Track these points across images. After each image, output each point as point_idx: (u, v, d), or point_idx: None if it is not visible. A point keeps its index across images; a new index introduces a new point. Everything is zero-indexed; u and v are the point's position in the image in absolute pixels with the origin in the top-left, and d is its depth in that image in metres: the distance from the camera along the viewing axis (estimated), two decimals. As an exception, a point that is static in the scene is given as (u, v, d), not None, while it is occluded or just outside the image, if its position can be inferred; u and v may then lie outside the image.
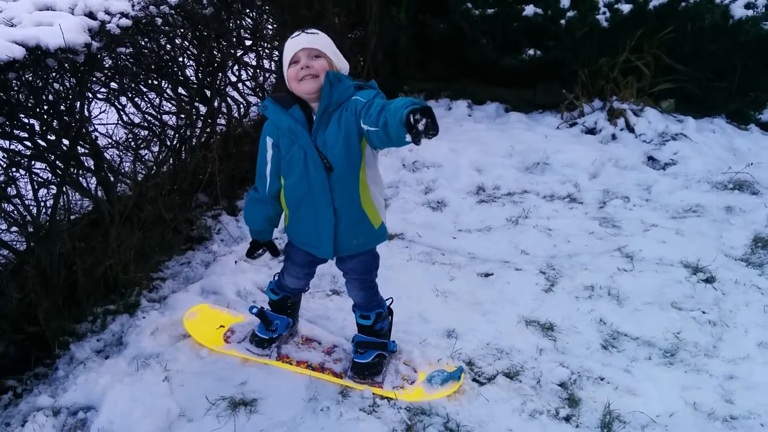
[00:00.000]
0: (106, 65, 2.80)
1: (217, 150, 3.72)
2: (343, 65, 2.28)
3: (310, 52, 2.21)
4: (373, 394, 2.57)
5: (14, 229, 2.71)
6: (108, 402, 2.47)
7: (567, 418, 2.48)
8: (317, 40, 2.22)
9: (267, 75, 4.18)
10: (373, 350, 2.64)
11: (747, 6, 4.92)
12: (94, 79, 2.78)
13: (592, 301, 3.17)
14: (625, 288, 3.25)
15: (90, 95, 2.89)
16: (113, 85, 3.00)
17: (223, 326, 2.91)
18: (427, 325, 2.97)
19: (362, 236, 2.41)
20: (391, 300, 2.73)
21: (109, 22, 2.71)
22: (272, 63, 4.28)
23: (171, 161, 3.48)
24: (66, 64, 2.53)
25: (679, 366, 2.76)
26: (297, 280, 2.67)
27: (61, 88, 2.68)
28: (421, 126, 1.73)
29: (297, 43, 2.22)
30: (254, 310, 2.74)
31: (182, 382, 2.61)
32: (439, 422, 2.45)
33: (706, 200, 4.12)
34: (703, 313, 3.08)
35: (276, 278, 2.77)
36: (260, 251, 2.60)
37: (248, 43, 3.95)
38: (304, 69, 2.19)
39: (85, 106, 2.79)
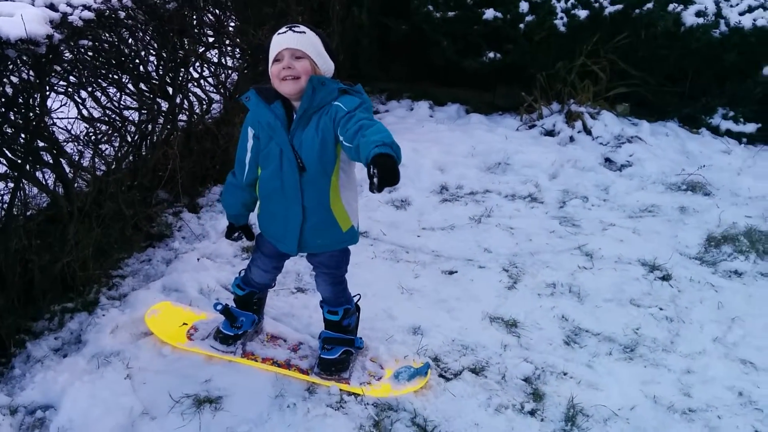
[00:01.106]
0: (67, 58, 2.72)
1: (178, 147, 3.66)
2: (327, 67, 2.27)
3: (294, 52, 2.19)
4: (340, 390, 2.56)
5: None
6: (67, 400, 2.40)
7: (532, 412, 2.52)
8: (302, 40, 2.20)
9: (229, 72, 4.13)
10: (340, 346, 2.63)
11: (698, 14, 5.10)
12: (54, 72, 2.70)
13: (554, 299, 3.22)
14: (586, 285, 3.32)
15: (48, 88, 2.81)
16: (73, 78, 2.92)
17: (186, 324, 2.86)
18: (392, 322, 2.98)
19: (328, 237, 2.41)
20: (358, 296, 2.72)
21: (71, 14, 2.64)
22: (234, 61, 4.24)
23: (131, 157, 3.40)
24: (25, 56, 2.45)
25: (638, 361, 2.83)
26: (264, 273, 2.65)
27: (18, 80, 2.60)
28: (375, 180, 1.79)
29: (282, 41, 2.20)
30: (219, 307, 2.70)
31: (144, 380, 2.55)
32: (407, 417, 2.46)
33: (661, 201, 4.25)
34: (661, 309, 3.17)
35: (242, 274, 2.74)
36: (236, 234, 2.63)
37: (211, 40, 3.89)
38: (285, 69, 2.18)
39: (45, 100, 2.71)
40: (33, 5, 2.60)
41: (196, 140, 3.86)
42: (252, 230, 2.65)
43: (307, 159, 2.23)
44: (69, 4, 2.68)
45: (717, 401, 2.61)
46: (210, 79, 3.98)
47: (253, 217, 2.61)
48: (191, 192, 3.93)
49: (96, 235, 3.11)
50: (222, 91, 4.15)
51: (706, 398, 2.63)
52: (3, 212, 2.69)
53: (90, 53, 2.89)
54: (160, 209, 3.75)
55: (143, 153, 3.47)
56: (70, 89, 2.95)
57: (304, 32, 2.22)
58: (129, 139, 3.33)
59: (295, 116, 2.24)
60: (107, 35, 2.91)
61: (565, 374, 2.72)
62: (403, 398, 2.53)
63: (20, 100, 2.62)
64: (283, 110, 2.25)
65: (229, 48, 4.12)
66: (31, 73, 2.60)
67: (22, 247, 2.77)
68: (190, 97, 3.78)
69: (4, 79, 2.48)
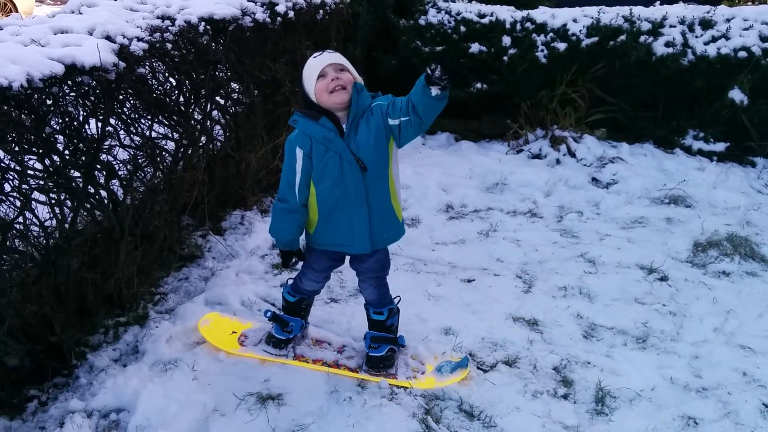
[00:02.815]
0: (129, 85, 2.94)
1: (203, 172, 3.86)
2: (359, 78, 2.58)
3: (336, 66, 2.50)
4: (389, 384, 2.78)
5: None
6: (142, 401, 2.56)
7: (565, 396, 2.78)
8: (339, 56, 2.54)
9: (244, 102, 4.35)
10: (385, 344, 2.86)
11: (667, 44, 5.55)
12: (118, 98, 2.92)
13: (567, 299, 3.51)
14: (593, 287, 3.62)
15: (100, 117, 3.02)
16: (126, 108, 3.14)
17: (236, 332, 3.05)
18: (425, 325, 3.22)
19: (392, 229, 2.69)
20: (398, 298, 2.96)
21: (129, 45, 2.88)
22: (246, 96, 4.46)
23: (165, 181, 3.60)
24: (95, 82, 2.67)
25: (651, 350, 3.12)
26: (315, 284, 2.88)
27: (79, 109, 2.81)
28: (437, 72, 2.19)
29: (323, 59, 2.51)
30: (268, 314, 2.91)
31: (209, 382, 2.73)
32: (454, 405, 2.69)
33: (649, 213, 4.61)
34: (663, 305, 3.48)
35: (290, 282, 2.95)
36: (293, 260, 2.79)
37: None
38: (334, 81, 2.47)
39: (107, 125, 2.92)
40: (92, 36, 2.83)
41: (218, 166, 4.08)
42: (302, 251, 2.82)
43: (366, 158, 2.51)
44: (124, 36, 2.92)
45: (725, 380, 2.92)
46: (231, 108, 4.21)
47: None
48: (214, 216, 4.12)
49: (138, 254, 3.29)
50: (236, 120, 4.38)
51: (716, 378, 2.93)
52: (64, 233, 2.87)
53: (141, 83, 3.11)
54: (187, 233, 3.94)
55: (176, 177, 3.66)
56: (121, 117, 3.16)
57: (337, 52, 2.57)
58: (165, 163, 3.54)
59: (344, 126, 2.52)
60: (158, 65, 3.14)
61: (588, 363, 2.99)
62: (448, 388, 2.76)
63: (84, 126, 2.83)
64: (332, 123, 2.53)
65: (242, 81, 4.36)
66: (95, 99, 2.81)
67: (78, 265, 2.95)
68: (215, 126, 4.01)
69: (77, 105, 2.70)
